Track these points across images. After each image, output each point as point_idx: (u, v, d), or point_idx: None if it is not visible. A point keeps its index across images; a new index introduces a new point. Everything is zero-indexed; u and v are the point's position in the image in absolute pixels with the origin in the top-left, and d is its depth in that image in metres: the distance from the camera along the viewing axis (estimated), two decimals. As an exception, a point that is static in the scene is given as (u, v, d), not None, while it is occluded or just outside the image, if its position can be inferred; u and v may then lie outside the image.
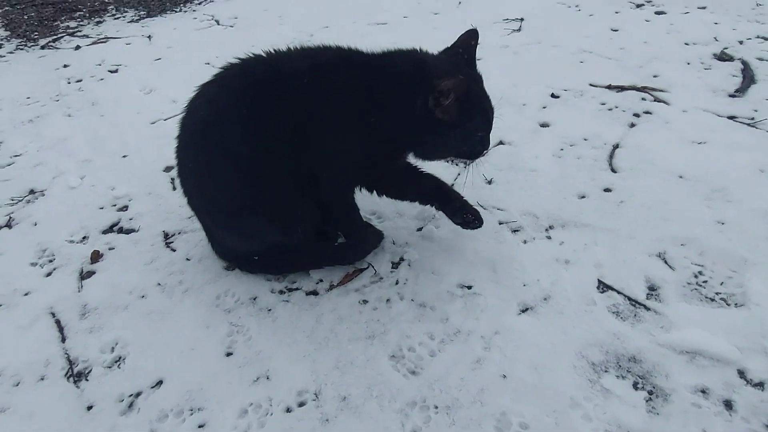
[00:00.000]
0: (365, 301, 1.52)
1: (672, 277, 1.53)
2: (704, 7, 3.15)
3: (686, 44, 2.72)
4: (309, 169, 1.42)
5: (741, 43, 2.69)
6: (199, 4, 3.89)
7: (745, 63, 2.49)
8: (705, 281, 1.51)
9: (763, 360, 1.29)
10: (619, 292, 1.50)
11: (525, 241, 1.68)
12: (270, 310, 1.52)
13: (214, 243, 1.65)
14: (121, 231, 1.85)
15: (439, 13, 3.34)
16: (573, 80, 2.47)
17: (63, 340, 1.48)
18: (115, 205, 1.96)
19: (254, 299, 1.55)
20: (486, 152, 1.47)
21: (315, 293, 1.56)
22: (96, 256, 1.72)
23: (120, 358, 1.43)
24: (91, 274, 1.69)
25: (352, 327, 1.44)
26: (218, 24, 3.48)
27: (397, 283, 1.57)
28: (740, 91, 2.30)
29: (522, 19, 3.13)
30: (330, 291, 1.56)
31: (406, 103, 1.31)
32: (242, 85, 1.39)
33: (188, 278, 1.63)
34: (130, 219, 1.89)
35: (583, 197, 1.82)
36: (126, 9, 3.90)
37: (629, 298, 1.48)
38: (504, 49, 2.83)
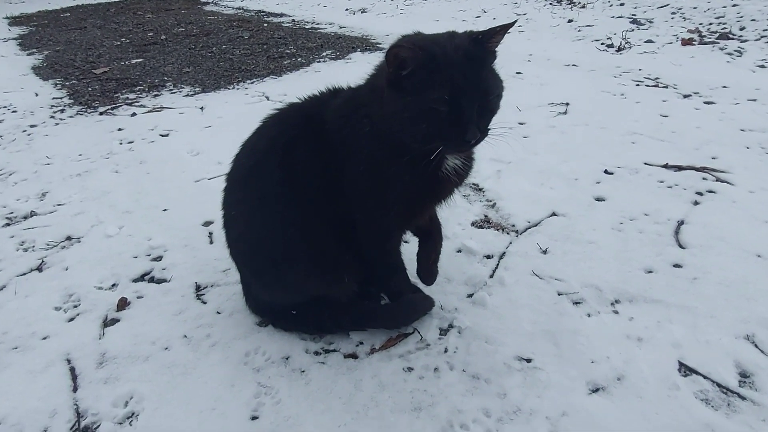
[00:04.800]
0: (410, 369, 1.35)
1: (765, 363, 1.32)
2: (755, 100, 3.11)
3: (742, 130, 2.64)
4: (348, 216, 1.31)
5: (802, 131, 2.59)
6: (252, 83, 4.08)
7: (809, 149, 2.37)
8: (807, 371, 1.29)
9: None
10: (705, 377, 1.29)
11: (589, 315, 1.50)
12: (303, 371, 1.36)
13: (249, 296, 1.53)
14: (152, 280, 1.76)
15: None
16: (626, 159, 2.39)
17: (75, 389, 1.34)
18: (149, 255, 1.88)
19: (287, 359, 1.40)
20: (471, 143, 1.13)
21: (354, 356, 1.40)
22: (123, 304, 1.62)
23: (133, 414, 1.27)
24: (115, 321, 1.57)
25: (396, 396, 1.26)
26: (268, 99, 3.60)
27: (446, 351, 1.40)
28: (810, 175, 2.16)
29: (567, 104, 3.14)
30: (371, 355, 1.40)
31: (377, 86, 1.18)
32: (276, 132, 1.35)
33: (217, 332, 1.50)
34: (163, 269, 1.80)
35: (651, 272, 1.66)
36: (183, 85, 4.11)
37: (719, 385, 1.27)
38: (551, 129, 2.80)
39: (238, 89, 3.96)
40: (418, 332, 1.46)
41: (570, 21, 5.51)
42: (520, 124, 2.90)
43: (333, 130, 1.27)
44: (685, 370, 1.32)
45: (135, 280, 1.76)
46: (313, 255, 1.31)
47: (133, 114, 3.44)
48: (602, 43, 4.69)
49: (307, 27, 6.37)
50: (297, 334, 1.47)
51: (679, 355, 1.35)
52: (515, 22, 1.25)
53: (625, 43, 4.53)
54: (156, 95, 3.91)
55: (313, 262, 1.33)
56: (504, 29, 1.15)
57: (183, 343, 1.47)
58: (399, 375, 1.32)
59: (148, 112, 3.49)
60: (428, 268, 1.56)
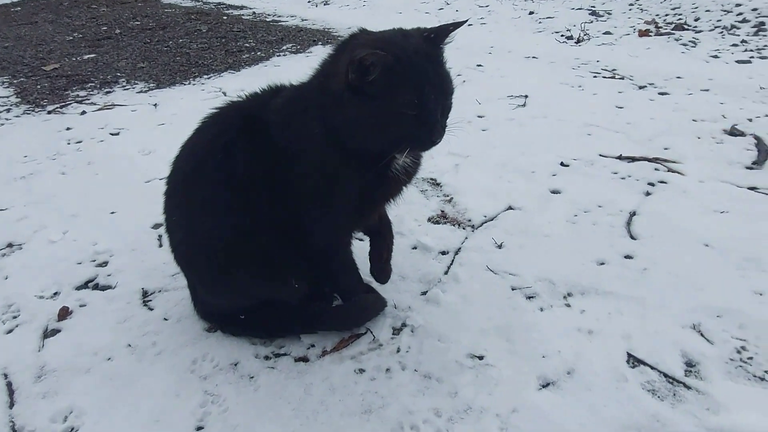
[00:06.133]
0: (362, 370, 1.32)
1: (711, 351, 1.34)
2: (707, 90, 3.18)
3: (694, 120, 2.69)
4: (293, 218, 1.26)
5: (750, 120, 2.66)
6: (209, 78, 3.98)
7: (758, 138, 2.44)
8: (750, 357, 1.32)
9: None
10: (652, 368, 1.31)
11: (542, 309, 1.51)
12: (252, 377, 1.32)
13: (197, 302, 1.49)
14: (96, 287, 1.69)
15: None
16: (582, 151, 2.41)
17: (11, 405, 1.28)
18: (94, 261, 1.81)
19: (235, 365, 1.36)
20: (437, 142, 1.14)
21: (305, 360, 1.37)
22: (64, 313, 1.55)
23: (72, 429, 1.22)
24: (56, 332, 1.50)
25: (346, 399, 1.24)
26: (225, 95, 3.52)
27: (398, 351, 1.38)
28: (757, 163, 2.22)
29: (526, 96, 3.15)
30: (322, 357, 1.37)
31: (332, 82, 1.13)
32: (215, 134, 1.29)
33: (163, 340, 1.45)
34: (108, 275, 1.73)
35: (603, 264, 1.67)
36: (137, 81, 3.98)
37: (665, 375, 1.29)
38: (510, 122, 2.81)
39: (194, 85, 3.85)
40: (371, 332, 1.43)
41: (531, 13, 5.55)
42: (479, 117, 2.90)
43: (276, 131, 1.23)
44: (634, 361, 1.33)
45: (78, 288, 1.69)
46: (257, 259, 1.27)
47: (83, 112, 3.31)
48: (562, 35, 4.74)
49: (267, 20, 6.25)
50: (247, 339, 1.43)
51: (628, 347, 1.37)
52: (467, 20, 1.25)
53: (584, 35, 4.58)
54: (108, 92, 3.77)
55: (258, 266, 1.28)
56: (456, 27, 1.17)
57: (127, 352, 1.41)
58: (350, 377, 1.30)
59: (99, 110, 3.36)
60: (381, 267, 1.54)
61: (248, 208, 1.24)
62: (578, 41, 4.47)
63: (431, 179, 2.27)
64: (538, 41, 4.61)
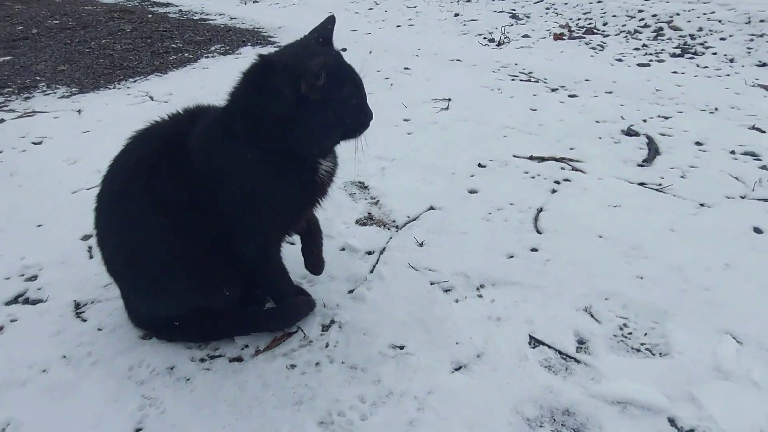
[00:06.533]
0: (293, 366, 1.43)
1: (599, 330, 1.55)
2: (611, 92, 3.49)
3: (597, 122, 2.97)
4: (222, 232, 1.34)
5: (645, 121, 2.97)
6: (135, 81, 3.91)
7: (649, 137, 2.73)
8: (630, 333, 1.55)
9: (691, 407, 1.31)
10: (550, 347, 1.50)
11: (457, 300, 1.67)
12: (188, 379, 1.40)
13: (131, 310, 1.54)
14: (27, 302, 1.69)
15: (372, 93, 3.50)
16: (498, 152, 2.62)
17: (-57, 424, 1.29)
18: (23, 275, 1.81)
19: (171, 369, 1.43)
20: (368, 123, 1.34)
21: (239, 360, 1.46)
22: (-6, 330, 1.56)
23: (9, 442, 1.25)
24: (-14, 349, 1.51)
25: (279, 393, 1.35)
26: (152, 100, 3.49)
27: (327, 346, 1.50)
28: (647, 161, 2.51)
29: (449, 99, 3.34)
30: (256, 356, 1.47)
31: (276, 103, 1.22)
32: (138, 157, 1.36)
33: (98, 349, 1.50)
34: (39, 289, 1.74)
35: (512, 257, 1.86)
36: (58, 86, 3.85)
37: (560, 352, 1.48)
38: (434, 125, 2.98)
39: (119, 89, 3.78)
40: (302, 330, 1.55)
41: (456, 15, 5.78)
42: (405, 120, 3.06)
43: (199, 159, 1.30)
44: (535, 342, 1.52)
45: (8, 303, 1.69)
46: (187, 272, 1.35)
47: (1, 120, 3.19)
48: (485, 38, 4.99)
49: (195, 18, 6.15)
50: (182, 344, 1.50)
51: (530, 330, 1.55)
52: (332, 15, 1.40)
53: (505, 38, 4.86)
54: (28, 98, 3.64)
55: (188, 279, 1.36)
56: (332, 25, 1.37)
57: (62, 363, 1.45)
58: (282, 373, 1.41)
59: (19, 117, 3.25)
60: (315, 261, 1.66)
61: (175, 226, 1.31)
62: (499, 44, 4.73)
63: (359, 183, 2.40)
64: (462, 44, 4.85)
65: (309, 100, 1.20)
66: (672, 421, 1.28)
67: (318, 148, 1.35)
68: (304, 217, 1.51)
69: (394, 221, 2.10)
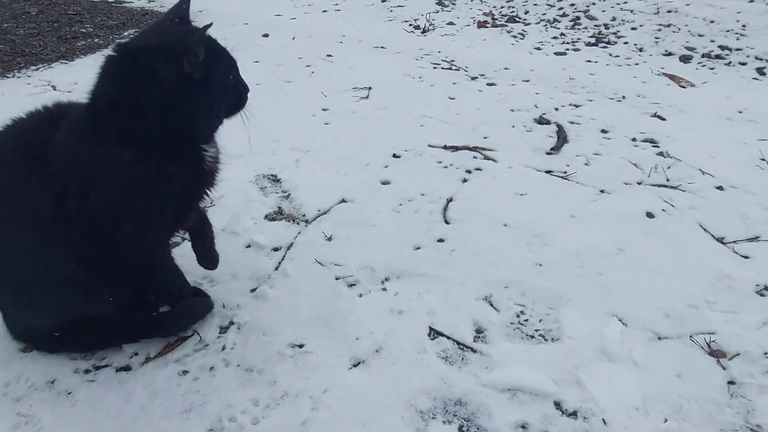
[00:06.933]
0: (185, 372, 1.39)
1: (497, 318, 1.59)
2: (528, 81, 3.58)
3: (512, 110, 3.03)
4: (100, 237, 1.24)
5: (557, 109, 3.06)
6: (37, 69, 3.64)
7: (559, 126, 2.82)
8: (526, 320, 1.60)
9: (576, 390, 1.37)
10: (448, 338, 1.53)
11: (361, 295, 1.67)
12: (70, 393, 1.33)
13: (8, 322, 1.43)
14: None
15: (291, 81, 3.43)
16: (413, 142, 2.62)
17: None
18: None
19: (52, 383, 1.35)
20: (247, 96, 1.35)
21: (127, 369, 1.40)
22: None
23: None
24: None
25: (168, 402, 1.30)
26: (55, 89, 3.26)
27: (223, 349, 1.46)
28: (555, 149, 2.59)
29: (370, 88, 3.32)
30: (146, 364, 1.41)
31: (155, 90, 1.14)
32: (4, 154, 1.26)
33: (-30, 366, 1.39)
34: None
35: (419, 248, 1.88)
36: (-54, 74, 3.53)
37: (458, 342, 1.51)
38: (353, 114, 2.95)
39: (19, 77, 3.51)
40: (198, 334, 1.50)
41: (383, 0, 5.74)
42: (324, 110, 3.01)
43: (66, 167, 1.19)
44: (434, 333, 1.54)
45: None
46: (62, 281, 1.26)
47: None
48: (410, 24, 4.98)
49: (110, 0, 5.79)
50: (66, 355, 1.42)
51: (431, 321, 1.57)
52: None
53: (430, 25, 4.87)
54: None
55: (63, 288, 1.28)
56: (187, 4, 1.31)
57: (-73, 384, 1.34)
58: (173, 380, 1.36)
59: None
60: (207, 255, 1.60)
61: (44, 237, 1.21)
62: (424, 31, 4.74)
63: (272, 175, 2.35)
64: (387, 30, 4.81)
65: (192, 79, 1.16)
66: (558, 405, 1.33)
67: (209, 128, 1.32)
68: (194, 210, 1.45)
69: (304, 215, 2.07)
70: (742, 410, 1.32)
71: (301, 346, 1.47)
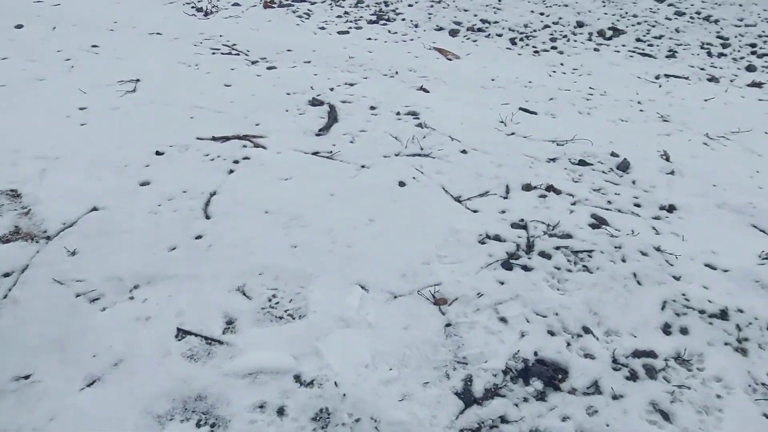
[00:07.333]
0: None
1: (248, 306, 1.64)
2: (309, 62, 3.65)
3: (288, 94, 3.08)
4: None
5: (332, 89, 3.18)
6: None
7: (331, 106, 2.94)
8: (277, 302, 1.67)
9: (314, 360, 1.48)
10: (196, 335, 1.54)
11: (104, 308, 1.60)
12: None
13: None
14: None
15: (45, 79, 3.07)
16: (181, 136, 2.54)
17: None
18: None
19: None
20: None
21: None
22: None
23: None
24: None
25: None
26: None
27: (-73, 400, 1.31)
28: (324, 129, 2.70)
29: (138, 80, 3.11)
30: None
31: None
32: None
33: None
34: None
35: (174, 249, 1.84)
36: None
37: (206, 338, 1.53)
38: (115, 111, 2.75)
39: None
40: None
41: (164, -18, 5.37)
42: (81, 109, 2.75)
43: None
44: (182, 334, 1.54)
45: None
46: None
47: None
48: (193, 7, 4.75)
49: None
50: None
51: (180, 322, 1.57)
52: None
53: (213, 6, 4.69)
54: None
55: None
56: None
57: None
58: None
59: None
60: None
61: None
62: (207, 14, 4.56)
63: (10, 191, 2.10)
64: (167, 14, 4.54)
65: None
66: (297, 378, 1.43)
67: None
68: None
69: (45, 231, 1.90)
70: (454, 347, 1.55)
71: (27, 377, 1.38)
